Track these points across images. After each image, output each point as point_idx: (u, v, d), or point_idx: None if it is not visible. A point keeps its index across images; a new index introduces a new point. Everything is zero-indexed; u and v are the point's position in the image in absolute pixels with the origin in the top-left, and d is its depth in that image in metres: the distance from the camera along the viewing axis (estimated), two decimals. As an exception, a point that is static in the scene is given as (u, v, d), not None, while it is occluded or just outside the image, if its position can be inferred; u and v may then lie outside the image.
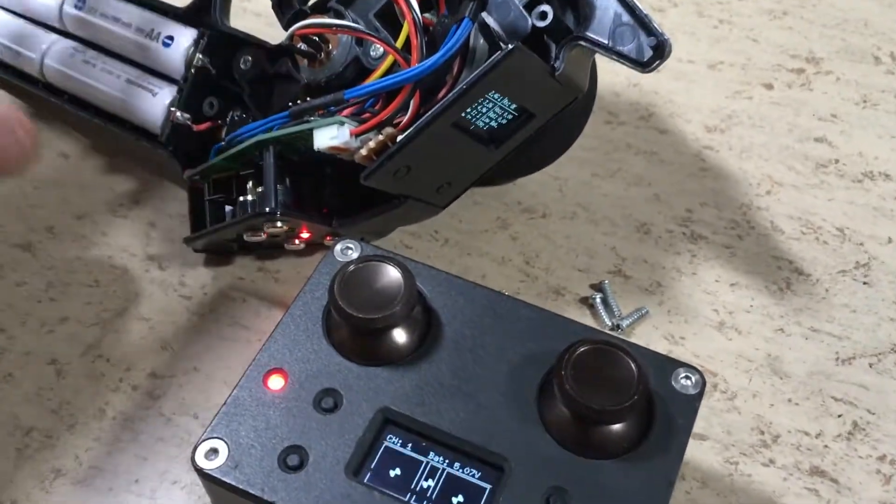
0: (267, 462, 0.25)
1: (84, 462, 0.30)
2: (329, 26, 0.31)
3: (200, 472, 0.25)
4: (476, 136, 0.30)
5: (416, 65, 0.29)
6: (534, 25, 0.29)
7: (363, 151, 0.30)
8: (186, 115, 0.34)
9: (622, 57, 0.28)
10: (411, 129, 0.29)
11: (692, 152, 0.39)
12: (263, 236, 0.33)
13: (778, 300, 0.34)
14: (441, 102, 0.28)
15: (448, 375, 0.26)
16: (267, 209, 0.31)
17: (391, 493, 0.24)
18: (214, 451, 0.25)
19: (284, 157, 0.32)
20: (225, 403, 0.26)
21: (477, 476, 0.25)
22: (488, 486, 0.25)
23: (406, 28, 0.30)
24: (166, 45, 0.35)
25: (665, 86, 0.42)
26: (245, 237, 0.33)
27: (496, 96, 0.29)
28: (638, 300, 0.34)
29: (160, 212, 0.37)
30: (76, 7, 0.37)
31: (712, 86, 0.42)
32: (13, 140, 0.23)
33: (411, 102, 0.29)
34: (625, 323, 0.33)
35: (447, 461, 0.25)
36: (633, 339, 0.33)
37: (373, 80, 0.30)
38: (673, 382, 0.26)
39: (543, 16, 0.29)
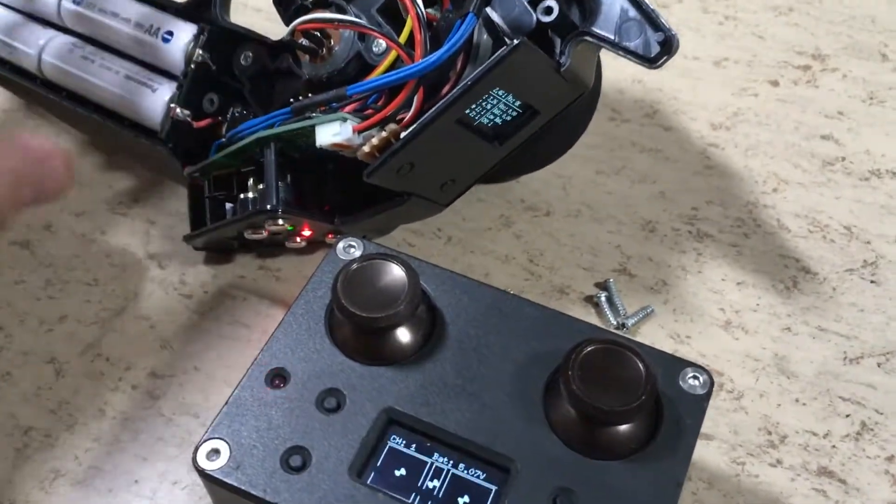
0: (269, 463, 0.24)
1: (84, 462, 0.30)
2: (331, 21, 0.31)
3: (202, 473, 0.24)
4: (480, 133, 0.30)
5: (420, 60, 0.28)
6: (539, 20, 0.29)
7: (366, 148, 0.29)
8: (186, 112, 0.34)
9: (629, 53, 0.28)
10: (415, 125, 0.28)
11: (697, 150, 0.39)
12: (265, 234, 0.32)
13: (785, 299, 0.34)
14: (445, 99, 0.28)
15: (452, 375, 0.26)
16: (268, 206, 0.31)
17: (395, 495, 0.24)
18: (216, 451, 0.24)
19: (286, 153, 0.32)
20: (226, 403, 0.25)
21: (482, 477, 0.24)
22: (494, 487, 0.24)
23: (409, 23, 0.29)
24: (166, 40, 0.34)
25: (670, 83, 0.41)
26: (246, 235, 0.33)
27: (500, 92, 0.28)
28: (643, 299, 0.34)
29: (160, 209, 0.37)
30: (75, 2, 0.36)
31: (718, 83, 0.41)
32: (56, 173, 0.25)
33: (415, 99, 0.29)
34: (630, 322, 0.33)
35: (452, 462, 0.25)
36: (638, 339, 0.32)
37: (376, 76, 0.30)
38: (681, 382, 0.26)
39: (548, 11, 0.29)
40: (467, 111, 0.28)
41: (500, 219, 0.37)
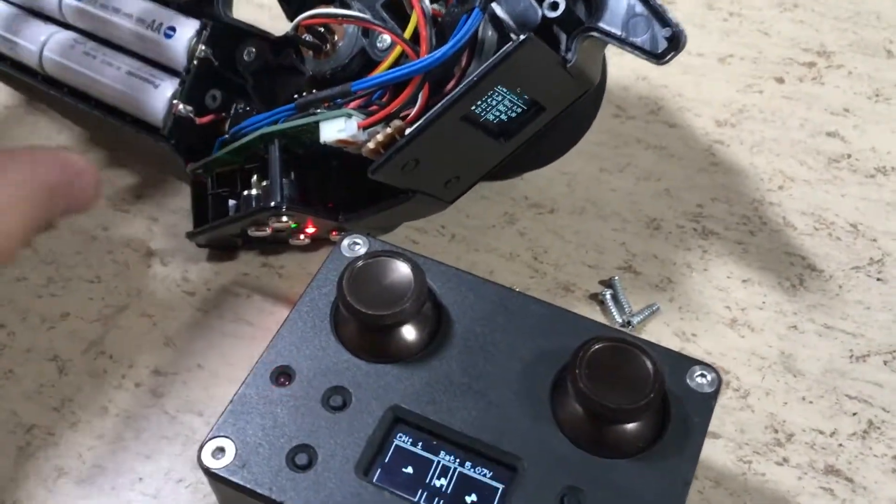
0: (275, 461, 0.24)
1: (87, 460, 0.29)
2: (335, 16, 0.31)
3: (207, 472, 0.24)
4: (485, 130, 0.30)
5: (426, 56, 0.28)
6: (544, 16, 0.29)
7: (371, 145, 0.29)
8: (189, 108, 0.34)
9: (636, 48, 0.27)
10: (420, 121, 0.28)
11: (702, 147, 0.39)
12: (268, 231, 0.32)
13: (791, 297, 0.34)
14: (451, 95, 0.28)
15: (459, 373, 0.26)
16: (272, 203, 0.31)
17: (402, 494, 0.24)
18: (221, 449, 0.24)
19: (290, 150, 0.32)
20: (231, 401, 0.25)
21: (489, 475, 0.24)
22: (501, 486, 0.24)
23: (414, 18, 0.29)
24: (168, 36, 0.34)
25: (674, 79, 0.41)
26: (250, 232, 0.32)
27: (506, 89, 0.28)
28: (648, 296, 0.34)
29: (162, 206, 0.37)
30: (77, -3, 0.36)
31: (722, 80, 0.41)
32: (87, 187, 0.26)
33: (420, 95, 0.29)
34: (635, 320, 0.33)
35: (459, 460, 0.25)
36: (643, 337, 0.32)
37: (381, 72, 0.29)
38: (688, 381, 0.25)
39: (554, 6, 0.28)
40: (473, 107, 0.28)
41: (504, 216, 0.36)
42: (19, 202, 0.24)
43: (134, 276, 0.34)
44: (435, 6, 0.30)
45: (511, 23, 0.29)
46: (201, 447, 0.24)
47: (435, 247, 0.35)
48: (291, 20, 0.32)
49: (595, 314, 0.33)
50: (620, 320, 0.33)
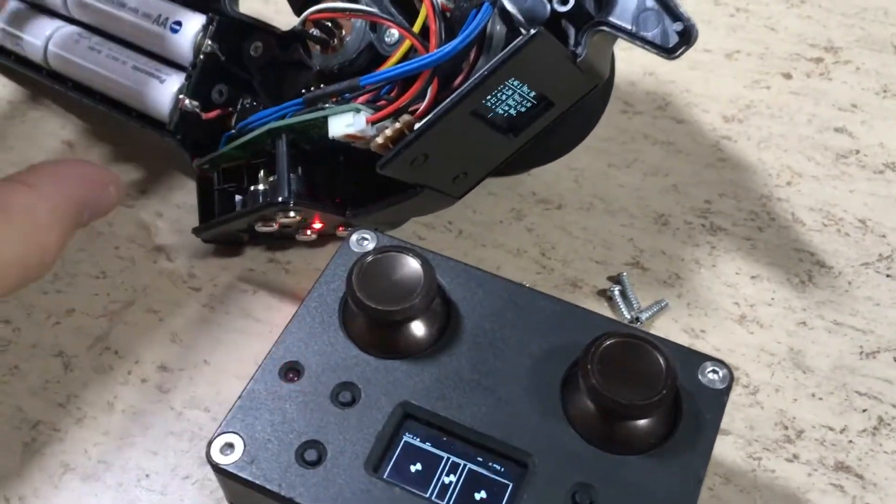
0: (284, 457, 0.24)
1: (93, 456, 0.29)
2: (343, 11, 0.30)
3: (216, 468, 0.24)
4: (494, 125, 0.30)
5: (436, 50, 0.28)
6: (554, 10, 0.28)
7: (379, 140, 0.29)
8: (195, 103, 0.33)
9: (646, 43, 0.27)
10: (430, 116, 0.28)
11: (710, 143, 0.39)
12: (275, 226, 0.32)
13: (800, 293, 0.33)
14: (460, 89, 0.27)
15: (468, 369, 0.26)
16: (280, 198, 0.31)
17: (412, 489, 0.24)
18: (230, 445, 0.24)
19: (297, 145, 0.31)
20: (240, 397, 0.25)
21: (500, 472, 0.24)
22: (511, 483, 0.24)
23: (423, 13, 0.29)
24: (174, 30, 0.34)
25: (681, 75, 0.41)
26: (257, 227, 0.32)
27: (516, 83, 0.28)
28: (656, 293, 0.34)
29: (167, 202, 0.37)
30: (81, -9, 0.36)
31: (730, 75, 0.41)
32: (112, 197, 0.28)
33: (429, 89, 0.29)
34: (644, 316, 0.32)
35: (469, 457, 0.24)
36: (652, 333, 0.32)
37: (389, 67, 0.29)
38: (699, 377, 0.25)
39: (565, 1, 0.28)
40: (482, 102, 0.28)
41: (511, 212, 0.36)
42: (56, 218, 0.25)
43: (140, 272, 0.34)
44: (443, 1, 0.30)
45: (520, 17, 0.28)
46: (210, 443, 0.24)
47: (442, 243, 0.35)
48: (298, 15, 0.32)
49: (603, 310, 0.33)
50: (629, 316, 0.33)
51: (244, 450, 0.24)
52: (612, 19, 0.27)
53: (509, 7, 0.28)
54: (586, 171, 0.37)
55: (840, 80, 0.41)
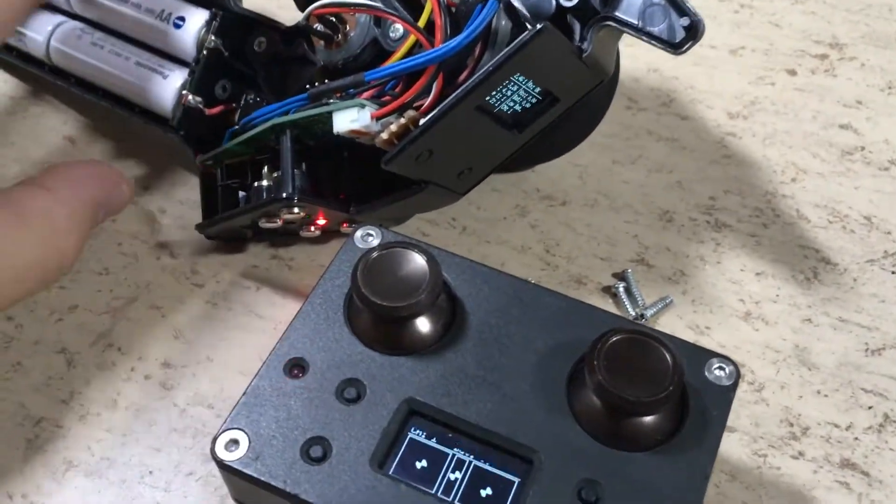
0: (289, 453, 0.24)
1: (96, 453, 0.29)
2: (347, 6, 0.30)
3: (221, 464, 0.24)
4: (499, 120, 0.29)
5: (442, 45, 0.28)
6: (559, 5, 0.28)
7: (384, 135, 0.29)
8: (198, 99, 0.33)
9: (653, 38, 0.27)
10: (435, 111, 0.28)
11: (714, 139, 0.39)
12: (279, 223, 0.32)
13: (805, 290, 0.33)
14: (466, 84, 0.27)
15: (474, 365, 0.26)
16: (284, 194, 0.30)
17: (417, 486, 0.24)
18: (235, 441, 0.24)
19: (301, 141, 0.31)
20: (245, 393, 0.25)
21: (505, 469, 0.24)
22: (517, 479, 0.24)
23: (428, 7, 0.29)
24: (177, 26, 0.34)
25: (686, 71, 0.41)
26: (260, 224, 0.32)
27: (521, 79, 0.28)
28: (661, 289, 0.33)
29: (170, 198, 0.37)
30: (84, -13, 0.36)
31: (734, 71, 0.41)
32: (124, 195, 0.28)
33: (434, 85, 0.28)
34: (649, 312, 0.32)
35: (474, 453, 0.24)
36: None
37: (395, 62, 0.29)
38: (706, 373, 0.25)
39: (570, -5, 0.28)
40: (487, 98, 0.28)
41: (515, 208, 0.36)
42: (73, 221, 0.26)
43: (143, 269, 0.34)
44: (448, -5, 0.30)
45: (526, 12, 0.28)
46: (215, 439, 0.24)
47: (446, 239, 0.35)
48: (302, 10, 0.32)
49: (608, 307, 0.33)
50: (633, 313, 0.32)
51: (249, 446, 0.24)
52: (618, 14, 0.27)
53: (515, 2, 0.28)
54: (590, 168, 0.37)
55: (845, 77, 0.41)
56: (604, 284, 0.34)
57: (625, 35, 0.28)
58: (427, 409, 0.25)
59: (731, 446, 0.29)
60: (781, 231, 0.35)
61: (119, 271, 0.34)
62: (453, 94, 0.27)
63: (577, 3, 0.28)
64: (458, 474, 0.24)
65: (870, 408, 0.30)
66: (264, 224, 0.32)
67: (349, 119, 0.29)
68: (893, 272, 0.34)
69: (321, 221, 0.33)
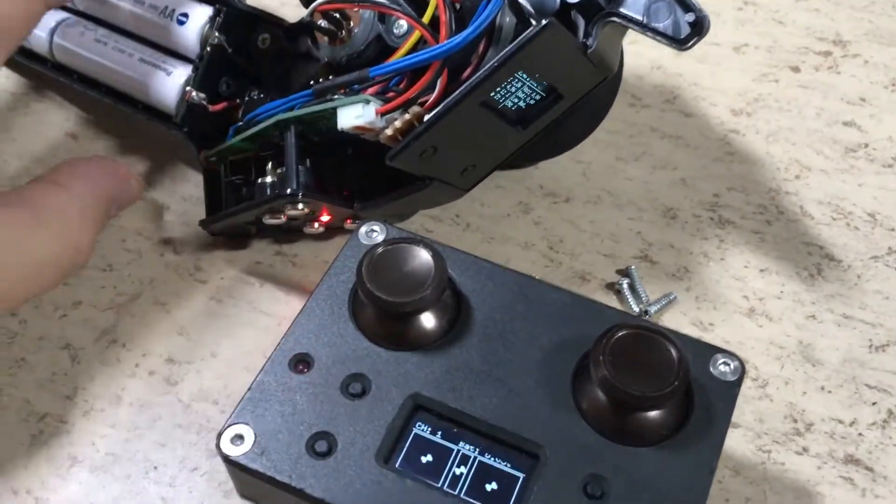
0: (294, 448, 0.24)
1: (101, 449, 0.29)
2: (351, 1, 0.30)
3: (226, 459, 0.24)
4: (503, 117, 0.29)
5: (446, 41, 0.28)
6: (564, 1, 0.28)
7: (388, 131, 0.29)
8: (202, 95, 0.33)
9: (658, 34, 0.27)
10: (440, 107, 0.28)
11: (718, 136, 0.39)
12: (283, 219, 0.32)
13: (809, 286, 0.33)
14: (471, 80, 0.27)
15: (479, 361, 0.26)
16: (288, 190, 0.30)
17: (423, 480, 0.24)
18: (240, 436, 0.24)
19: (305, 137, 0.31)
20: (250, 388, 0.25)
21: (510, 464, 0.24)
22: (522, 474, 0.24)
23: (433, 3, 0.29)
24: (181, 22, 0.34)
25: (689, 68, 0.41)
26: (264, 220, 0.32)
27: (525, 75, 0.28)
28: (665, 286, 0.33)
29: (174, 194, 0.37)
30: (88, -17, 0.36)
31: (738, 69, 0.41)
32: (134, 191, 0.29)
33: (438, 81, 0.28)
34: (652, 309, 0.32)
35: (479, 448, 0.24)
36: (661, 326, 0.32)
37: (399, 58, 0.29)
38: (711, 369, 0.25)
39: (574, -9, 0.28)
40: (492, 94, 0.28)
41: (519, 205, 0.36)
42: (87, 217, 0.26)
43: (146, 265, 0.34)
44: (452, -9, 0.30)
45: (530, 8, 0.28)
46: (220, 434, 0.24)
47: (450, 236, 0.35)
48: (306, 6, 0.32)
49: (612, 303, 0.33)
50: (637, 310, 0.32)
51: (254, 441, 0.24)
52: (623, 10, 0.27)
53: (519, -2, 0.28)
54: (594, 165, 0.37)
55: (849, 74, 0.41)
56: (607, 281, 0.34)
57: (628, 31, 0.28)
58: (432, 404, 0.25)
59: (735, 442, 0.29)
60: (785, 228, 0.35)
61: (123, 267, 0.34)
62: (458, 91, 0.27)
63: (582, -2, 0.28)
64: (463, 469, 0.24)
65: (874, 404, 0.30)
66: (268, 220, 0.32)
67: (354, 115, 0.29)
68: (897, 269, 0.34)
69: (325, 218, 0.33)
